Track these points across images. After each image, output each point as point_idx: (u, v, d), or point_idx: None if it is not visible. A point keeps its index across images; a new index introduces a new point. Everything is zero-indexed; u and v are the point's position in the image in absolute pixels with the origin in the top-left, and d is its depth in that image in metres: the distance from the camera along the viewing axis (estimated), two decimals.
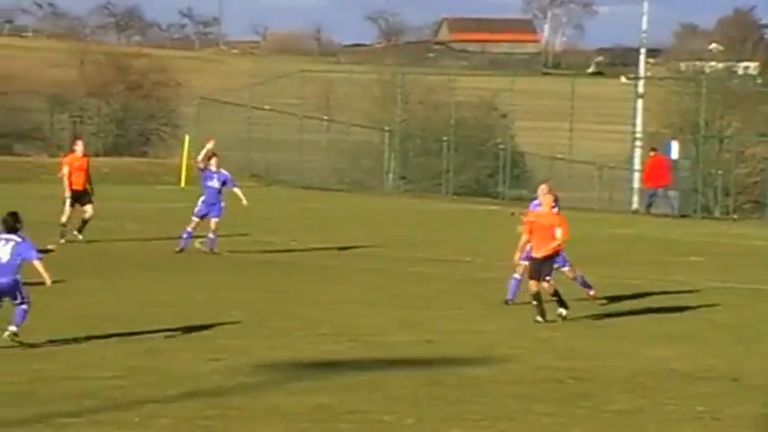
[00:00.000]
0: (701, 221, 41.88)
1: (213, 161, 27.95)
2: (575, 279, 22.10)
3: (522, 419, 14.42)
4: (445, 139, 48.73)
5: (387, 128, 51.39)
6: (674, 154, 45.94)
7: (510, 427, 14.06)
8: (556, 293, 20.77)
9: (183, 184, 44.71)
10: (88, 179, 29.05)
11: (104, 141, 54.42)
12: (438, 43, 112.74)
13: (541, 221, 21.10)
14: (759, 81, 55.58)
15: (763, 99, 48.38)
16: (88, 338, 17.82)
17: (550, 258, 20.83)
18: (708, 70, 60.13)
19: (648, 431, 14.17)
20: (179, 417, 13.86)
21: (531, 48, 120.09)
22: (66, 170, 28.94)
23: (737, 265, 29.48)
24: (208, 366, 16.54)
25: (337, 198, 45.57)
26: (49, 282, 17.58)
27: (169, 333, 18.59)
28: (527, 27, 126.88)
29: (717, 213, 44.19)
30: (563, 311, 20.75)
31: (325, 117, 54.88)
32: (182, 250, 27.45)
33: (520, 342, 19.01)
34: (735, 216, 43.60)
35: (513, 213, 22.57)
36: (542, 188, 23.25)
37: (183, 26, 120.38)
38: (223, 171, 27.92)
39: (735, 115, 47.04)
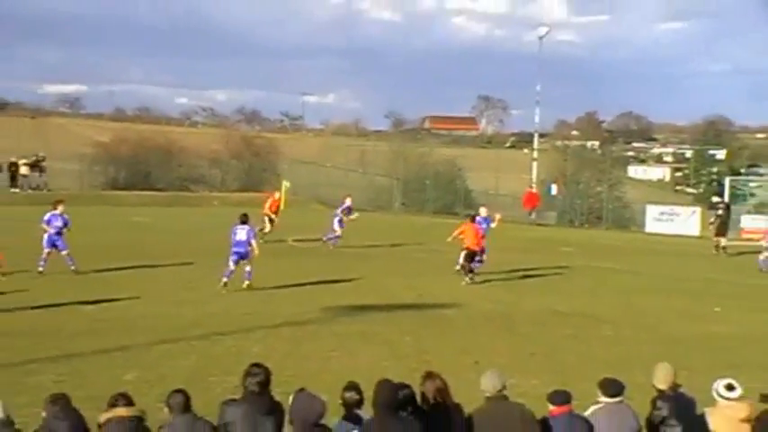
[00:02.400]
0: (568, 229, 41.87)
1: (348, 200, 28.45)
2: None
3: (471, 338, 14.64)
4: (427, 182, 48.90)
5: (395, 176, 51.43)
6: (554, 191, 46.16)
7: (464, 341, 14.30)
8: (471, 270, 20.87)
9: (282, 207, 44.70)
10: (278, 210, 28.60)
11: (239, 184, 54.61)
12: (423, 130, 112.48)
13: (470, 231, 21.21)
14: (598, 152, 55.85)
15: (601, 162, 48.61)
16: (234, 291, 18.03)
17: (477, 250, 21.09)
18: (571, 146, 60.47)
19: (540, 342, 14.34)
20: (279, 336, 14.14)
21: (474, 132, 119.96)
22: (269, 202, 28.66)
23: (590, 252, 29.55)
24: (296, 309, 16.71)
25: (367, 216, 45.42)
26: (257, 252, 18.60)
27: (275, 290, 18.69)
28: (473, 121, 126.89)
29: (576, 224, 44.17)
30: (467, 279, 20.68)
31: (361, 170, 54.76)
32: (334, 246, 27.03)
33: (471, 295, 19.18)
34: (587, 225, 43.68)
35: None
36: (482, 209, 23.47)
37: (282, 120, 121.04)
38: (346, 204, 28.25)
39: (586, 171, 47.21)
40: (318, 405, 6.32)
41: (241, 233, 18.38)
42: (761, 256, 25.49)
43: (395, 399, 6.26)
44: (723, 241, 30.04)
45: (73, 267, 20.05)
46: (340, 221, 27.72)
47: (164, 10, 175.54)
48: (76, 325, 14.50)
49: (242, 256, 18.36)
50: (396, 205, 50.19)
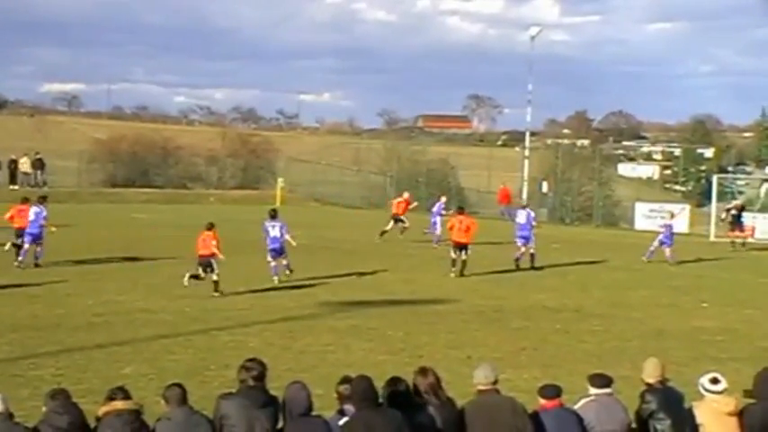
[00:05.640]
0: (558, 226, 41.70)
1: (443, 199, 28.99)
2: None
3: (462, 332, 14.64)
4: (420, 179, 48.73)
5: (389, 174, 51.30)
6: (545, 189, 45.95)
7: (455, 336, 14.29)
8: (464, 265, 21.03)
9: (278, 204, 44.65)
10: (404, 211, 28.98)
11: (236, 181, 54.46)
12: (416, 128, 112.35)
13: (460, 224, 21.29)
14: (589, 150, 55.68)
15: (591, 160, 48.43)
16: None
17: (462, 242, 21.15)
18: (562, 144, 60.30)
19: (531, 338, 14.33)
20: (276, 330, 14.12)
21: (467, 131, 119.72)
22: (395, 204, 29.48)
23: (579, 249, 29.43)
24: (292, 303, 16.71)
25: (361, 212, 45.45)
26: (294, 243, 18.87)
27: (272, 287, 18.59)
28: (465, 119, 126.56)
29: (567, 221, 44.05)
30: (453, 272, 20.90)
31: (356, 168, 54.62)
32: (438, 245, 27.06)
33: (463, 290, 19.16)
34: (577, 222, 43.59)
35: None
36: (522, 211, 24.09)
37: (277, 119, 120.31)
38: (441, 203, 28.57)
39: (576, 169, 47.05)
40: (304, 396, 6.36)
41: (274, 230, 18.52)
42: (651, 247, 25.27)
43: (372, 392, 6.29)
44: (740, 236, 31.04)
45: (20, 259, 20.07)
46: (438, 220, 28.01)
47: (162, 10, 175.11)
48: (76, 319, 14.48)
49: (278, 252, 18.56)
50: (389, 202, 50.16)
